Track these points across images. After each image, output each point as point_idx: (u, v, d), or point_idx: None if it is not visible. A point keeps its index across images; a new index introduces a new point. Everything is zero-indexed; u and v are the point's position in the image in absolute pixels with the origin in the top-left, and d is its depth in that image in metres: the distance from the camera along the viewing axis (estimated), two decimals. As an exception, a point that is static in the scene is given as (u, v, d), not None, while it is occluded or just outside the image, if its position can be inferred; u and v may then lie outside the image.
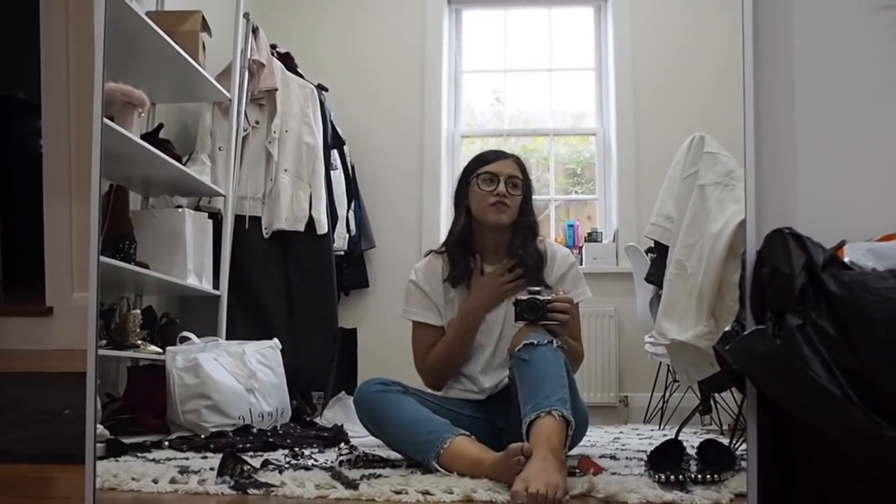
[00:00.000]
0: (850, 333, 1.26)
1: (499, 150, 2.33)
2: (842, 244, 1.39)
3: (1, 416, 2.24)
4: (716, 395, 2.50)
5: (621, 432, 2.88)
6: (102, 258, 1.76)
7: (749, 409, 1.41)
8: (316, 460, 2.07)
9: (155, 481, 1.76)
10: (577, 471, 1.81)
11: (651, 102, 3.56)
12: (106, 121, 1.65)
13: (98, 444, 1.66)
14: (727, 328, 1.48)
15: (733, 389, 2.20)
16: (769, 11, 1.60)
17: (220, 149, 3.11)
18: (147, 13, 2.49)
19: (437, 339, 2.23)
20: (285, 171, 3.27)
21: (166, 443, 2.30)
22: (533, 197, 2.28)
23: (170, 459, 2.06)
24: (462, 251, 2.24)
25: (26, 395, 2.37)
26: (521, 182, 2.22)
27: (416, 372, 2.25)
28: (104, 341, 2.41)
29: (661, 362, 2.92)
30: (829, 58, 1.63)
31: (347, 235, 3.50)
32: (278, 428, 2.58)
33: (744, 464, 1.55)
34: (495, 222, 2.19)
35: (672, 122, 3.37)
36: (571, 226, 3.68)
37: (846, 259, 1.36)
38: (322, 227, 3.29)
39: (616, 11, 3.74)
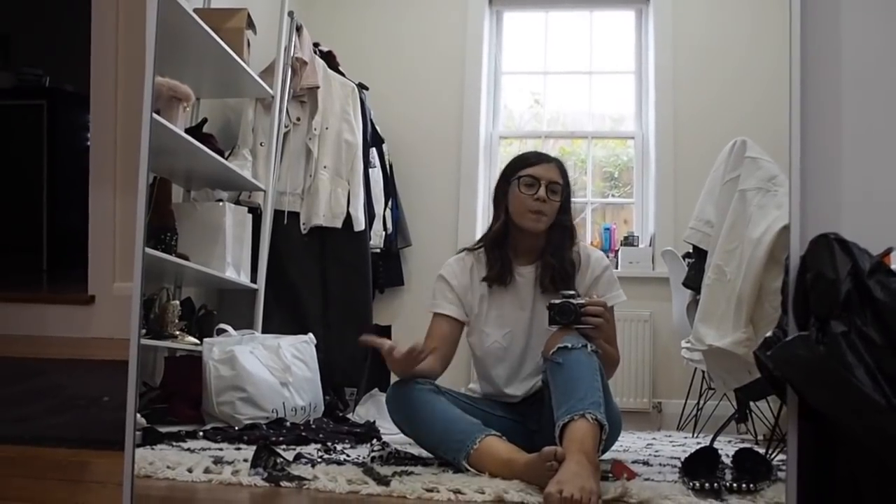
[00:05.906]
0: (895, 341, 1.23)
1: (541, 153, 2.29)
2: (889, 251, 1.36)
3: (41, 401, 2.29)
4: (752, 403, 2.46)
5: (654, 438, 2.84)
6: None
7: (790, 416, 1.39)
8: (348, 455, 2.08)
9: (189, 470, 1.78)
10: (610, 475, 1.80)
11: (691, 106, 3.52)
12: (153, 114, 1.68)
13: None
14: (767, 334, 1.46)
15: (770, 398, 2.17)
16: (816, 15, 1.57)
17: (261, 144, 3.14)
18: (194, 10, 2.53)
19: (451, 333, 2.19)
20: (325, 167, 3.29)
21: (201, 433, 2.32)
22: (571, 200, 2.25)
23: (204, 449, 2.08)
24: (499, 250, 2.23)
25: (66, 380, 2.43)
26: (561, 188, 2.20)
27: (448, 370, 2.23)
28: (143, 331, 2.44)
29: (695, 368, 2.89)
30: (877, 62, 1.60)
31: (384, 233, 3.51)
32: (311, 422, 2.59)
33: (780, 474, 1.53)
34: (531, 229, 2.18)
35: (712, 126, 3.32)
36: (608, 229, 3.65)
37: (893, 266, 1.33)
38: (359, 223, 3.31)
39: (657, 15, 3.69)
